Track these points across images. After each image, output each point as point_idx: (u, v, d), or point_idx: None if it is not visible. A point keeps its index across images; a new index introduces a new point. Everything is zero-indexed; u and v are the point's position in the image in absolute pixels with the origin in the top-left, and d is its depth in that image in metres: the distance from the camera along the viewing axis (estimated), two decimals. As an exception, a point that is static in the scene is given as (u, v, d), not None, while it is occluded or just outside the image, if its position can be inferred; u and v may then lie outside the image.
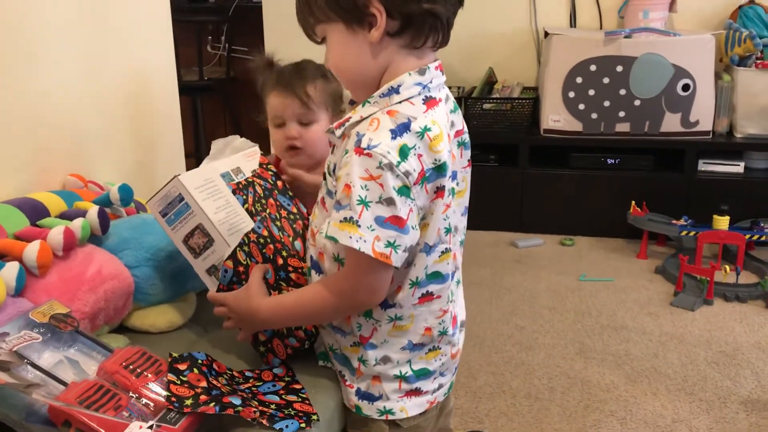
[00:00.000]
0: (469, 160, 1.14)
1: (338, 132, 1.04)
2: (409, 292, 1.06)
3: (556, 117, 3.16)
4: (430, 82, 1.02)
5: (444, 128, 1.01)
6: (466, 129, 1.13)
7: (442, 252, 1.07)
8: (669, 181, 3.10)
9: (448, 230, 1.07)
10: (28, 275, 1.13)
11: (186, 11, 3.76)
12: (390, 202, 0.95)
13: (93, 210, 1.27)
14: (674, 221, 2.89)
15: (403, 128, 0.96)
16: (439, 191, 1.01)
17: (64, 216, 1.29)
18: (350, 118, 1.03)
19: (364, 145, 0.95)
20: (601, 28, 3.43)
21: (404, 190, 0.95)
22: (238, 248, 1.13)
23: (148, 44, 1.88)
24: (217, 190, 1.18)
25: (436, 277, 1.08)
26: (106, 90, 1.69)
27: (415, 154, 0.96)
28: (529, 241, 3.14)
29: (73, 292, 1.15)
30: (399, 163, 0.94)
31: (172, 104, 2.00)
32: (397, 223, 0.96)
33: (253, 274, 1.12)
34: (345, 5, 0.98)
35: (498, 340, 2.30)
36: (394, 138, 0.95)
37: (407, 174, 0.95)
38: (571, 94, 3.11)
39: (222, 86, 3.77)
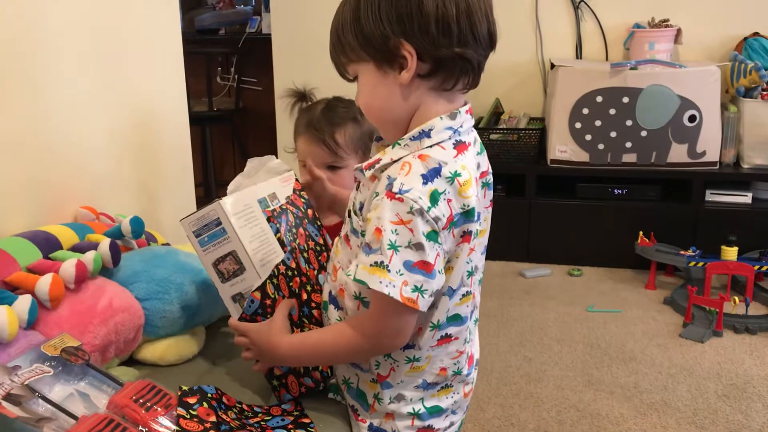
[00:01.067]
0: (491, 201, 1.14)
1: (367, 173, 1.03)
2: (429, 334, 1.06)
3: (562, 147, 3.18)
4: (461, 126, 1.02)
5: (472, 173, 1.01)
6: (490, 170, 1.12)
7: (464, 295, 1.07)
8: (676, 211, 3.10)
9: (470, 273, 1.07)
10: (39, 308, 1.13)
11: (196, 43, 3.82)
12: (419, 247, 0.95)
13: (105, 243, 1.28)
14: (682, 252, 2.89)
15: (434, 173, 0.96)
16: (466, 236, 1.01)
17: (76, 249, 1.30)
18: (380, 159, 1.02)
19: (396, 189, 0.95)
20: (607, 60, 3.46)
21: (433, 235, 0.96)
22: (267, 281, 1.13)
23: (160, 77, 1.90)
24: (254, 217, 1.17)
25: (456, 319, 1.08)
26: (117, 122, 1.71)
27: (445, 199, 0.96)
28: (536, 271, 3.13)
29: (84, 324, 1.16)
30: (429, 208, 0.94)
31: (182, 136, 2.02)
32: (425, 268, 0.96)
33: (279, 309, 1.12)
34: (377, 46, 0.99)
35: (506, 372, 2.29)
36: (425, 183, 0.95)
37: (437, 219, 0.95)
38: (578, 125, 3.13)
39: (231, 117, 3.81)
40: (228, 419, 1.05)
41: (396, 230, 0.95)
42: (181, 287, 1.31)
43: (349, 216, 1.10)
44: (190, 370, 1.29)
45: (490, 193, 1.13)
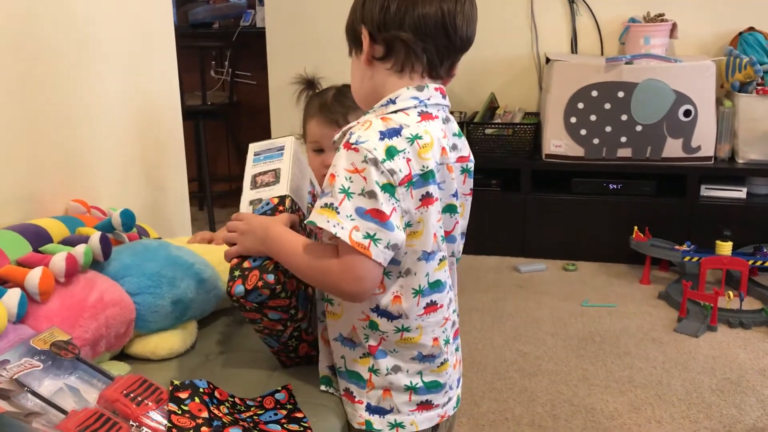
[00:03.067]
0: (471, 189, 1.17)
1: (337, 137, 1.09)
2: (413, 301, 1.08)
3: (557, 142, 3.17)
4: (428, 99, 1.08)
5: (436, 140, 1.06)
6: (472, 158, 1.17)
7: (441, 260, 1.10)
8: (671, 206, 3.10)
9: (443, 239, 1.11)
10: (29, 302, 1.12)
11: (189, 37, 3.79)
12: (372, 195, 0.98)
13: (95, 236, 1.26)
14: (677, 247, 2.88)
15: (393, 132, 1.02)
16: (426, 198, 1.04)
17: (66, 242, 1.29)
18: (350, 124, 1.09)
19: (352, 140, 1.00)
20: (602, 54, 3.45)
21: (388, 188, 0.99)
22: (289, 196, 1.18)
23: (153, 70, 1.89)
24: (304, 169, 1.33)
25: (438, 285, 1.10)
26: (109, 115, 1.70)
27: (403, 158, 1.01)
28: (531, 266, 3.13)
29: (74, 318, 1.15)
30: (384, 160, 0.99)
31: (175, 130, 2.01)
32: (378, 216, 0.99)
33: (286, 215, 1.16)
34: (350, 34, 1.13)
35: (501, 366, 2.28)
36: (381, 139, 1.01)
37: (392, 172, 0.99)
38: (573, 120, 3.13)
39: (225, 111, 3.79)
40: (220, 414, 1.04)
41: (350, 177, 0.99)
42: (173, 281, 1.30)
43: None
44: (182, 364, 1.28)
45: (470, 181, 1.17)
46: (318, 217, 1.00)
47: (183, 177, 2.06)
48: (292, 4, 3.27)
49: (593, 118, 3.10)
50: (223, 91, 3.95)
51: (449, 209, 1.12)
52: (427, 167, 1.03)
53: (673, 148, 3.07)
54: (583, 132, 3.13)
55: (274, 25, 3.32)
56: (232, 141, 3.94)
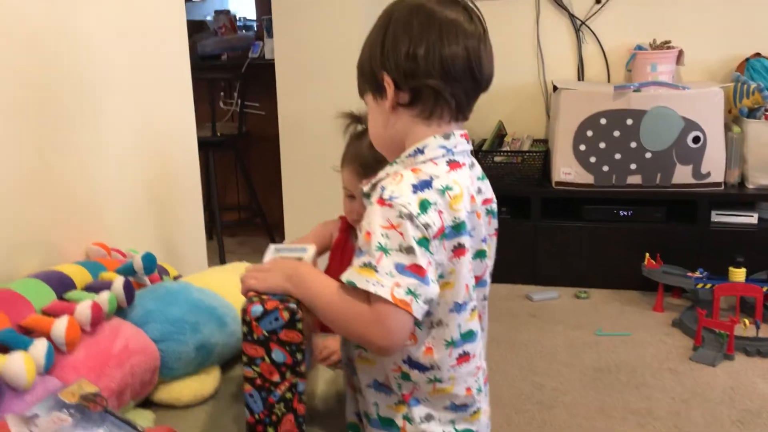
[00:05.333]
0: (496, 229, 1.17)
1: (366, 189, 1.08)
2: (445, 353, 1.07)
3: (567, 170, 3.17)
4: (455, 147, 1.07)
5: (465, 189, 1.05)
6: (494, 199, 1.16)
7: (472, 309, 1.09)
8: (682, 232, 3.10)
9: (474, 287, 1.09)
10: (55, 352, 1.12)
11: (199, 68, 3.81)
12: (410, 251, 0.97)
13: (118, 281, 1.26)
14: (690, 273, 2.88)
15: (424, 185, 1.01)
16: (458, 249, 1.03)
17: (89, 288, 1.29)
18: (379, 177, 1.08)
19: (386, 196, 0.99)
20: (608, 81, 3.47)
21: (423, 242, 0.98)
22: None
23: (167, 108, 1.90)
24: None
25: (470, 336, 1.09)
26: (123, 155, 1.70)
27: (435, 210, 1.00)
28: (543, 294, 3.12)
29: (100, 368, 1.14)
30: (419, 214, 0.97)
31: (191, 167, 2.01)
32: (417, 272, 0.97)
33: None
34: (368, 77, 1.11)
35: (518, 399, 2.27)
36: (414, 192, 0.99)
37: (426, 226, 0.98)
38: (582, 147, 3.13)
39: (234, 141, 3.81)
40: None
41: (386, 234, 0.97)
42: (196, 327, 1.30)
43: (357, 238, 1.10)
44: (207, 410, 1.27)
45: (495, 222, 1.16)
46: (357, 277, 0.98)
47: (199, 213, 2.07)
48: (301, 36, 3.29)
49: (602, 145, 3.11)
50: (232, 122, 3.97)
51: (479, 255, 1.11)
52: (459, 219, 1.02)
53: (682, 175, 3.07)
54: (592, 159, 3.13)
55: (283, 57, 3.34)
56: (241, 171, 3.95)
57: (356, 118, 1.51)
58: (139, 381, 1.21)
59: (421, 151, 1.06)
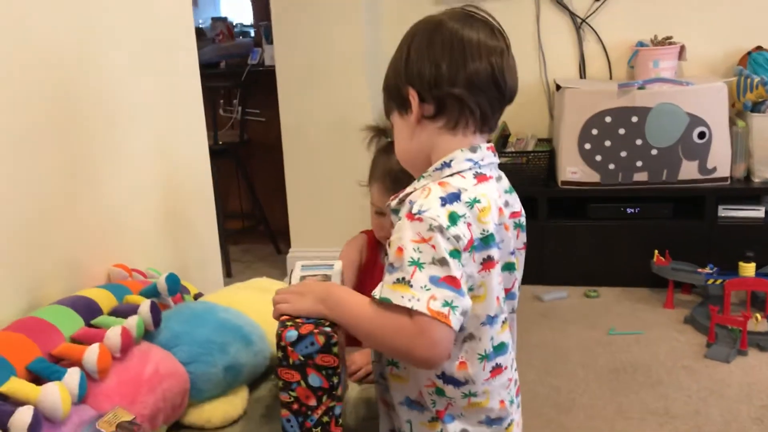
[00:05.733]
0: (524, 243, 1.16)
1: (393, 204, 1.09)
2: (479, 366, 1.07)
3: (573, 169, 3.17)
4: (482, 159, 1.07)
5: (493, 202, 1.04)
6: (523, 212, 1.16)
7: (503, 322, 1.09)
8: (690, 228, 3.10)
9: (504, 298, 1.10)
10: (87, 380, 1.11)
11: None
12: (443, 262, 0.97)
13: (145, 305, 1.26)
14: (700, 269, 2.88)
15: (453, 197, 1.01)
16: (487, 262, 1.03)
17: (116, 312, 1.28)
18: (407, 192, 1.08)
19: (415, 210, 0.99)
20: (611, 78, 3.47)
21: (455, 254, 0.98)
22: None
23: (179, 124, 1.89)
24: None
25: (502, 348, 1.09)
26: (138, 174, 1.69)
27: (464, 222, 1.00)
28: (553, 294, 3.12)
29: (132, 395, 1.14)
30: (449, 227, 0.97)
31: (205, 182, 2.01)
32: (452, 283, 0.97)
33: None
34: (394, 94, 1.12)
35: (535, 403, 2.27)
36: (443, 205, 0.99)
37: (457, 238, 0.98)
38: (588, 146, 3.13)
39: (236, 149, 3.80)
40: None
41: (418, 248, 0.97)
42: (224, 347, 1.29)
43: (386, 254, 1.09)
44: (238, 431, 1.27)
45: (523, 235, 1.17)
46: (391, 294, 0.97)
47: (213, 227, 2.06)
48: (302, 42, 3.28)
49: (608, 143, 3.11)
50: (233, 130, 3.95)
51: (508, 267, 1.11)
52: (488, 231, 1.03)
53: (689, 171, 3.08)
54: (598, 158, 3.13)
55: (284, 63, 3.33)
56: (243, 178, 3.94)
57: (381, 131, 1.50)
58: (170, 405, 1.20)
59: (448, 165, 1.06)
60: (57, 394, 1.02)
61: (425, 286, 0.96)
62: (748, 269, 2.75)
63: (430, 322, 0.95)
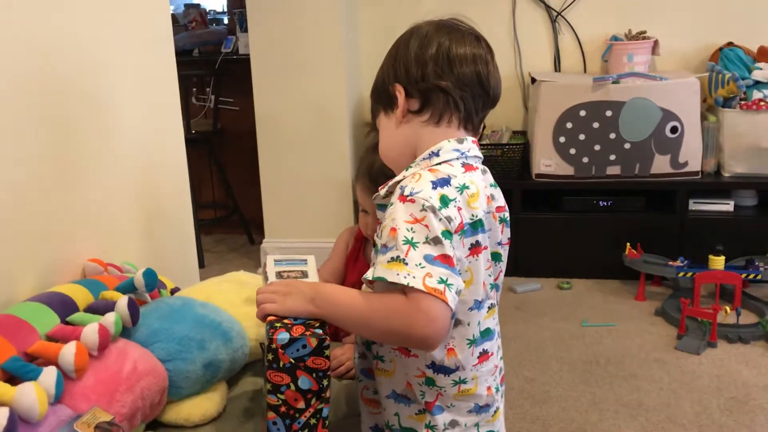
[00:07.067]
0: (509, 239, 1.17)
1: (383, 192, 1.10)
2: (468, 352, 1.08)
3: (547, 162, 3.19)
4: (468, 151, 1.10)
5: (481, 189, 1.07)
6: (507, 208, 1.17)
7: (489, 307, 1.11)
8: (661, 221, 3.14)
9: (492, 286, 1.12)
10: (64, 379, 1.09)
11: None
12: (437, 241, 0.98)
13: (122, 302, 1.23)
14: (671, 262, 2.92)
15: (443, 182, 1.03)
16: (475, 247, 1.05)
17: (92, 308, 1.25)
18: (396, 179, 1.10)
19: (407, 192, 1.01)
20: (585, 72, 3.49)
21: (447, 234, 1.00)
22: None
23: (157, 117, 1.85)
24: None
25: (488, 333, 1.11)
26: (114, 167, 1.65)
27: (455, 206, 1.02)
28: (526, 286, 3.14)
29: (111, 393, 1.12)
30: (441, 208, 0.99)
31: (180, 178, 1.98)
32: (447, 261, 0.98)
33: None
34: (381, 95, 1.15)
35: (509, 394, 2.28)
36: (434, 188, 1.02)
37: (449, 219, 1.00)
38: (562, 139, 3.15)
39: (209, 138, 3.75)
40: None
41: (411, 228, 0.98)
42: (202, 344, 1.28)
43: (375, 244, 1.10)
44: (217, 429, 1.25)
45: (507, 231, 1.18)
46: (386, 272, 0.97)
47: (189, 218, 2.03)
48: (277, 30, 3.24)
49: (582, 137, 3.13)
50: (206, 119, 3.90)
51: (495, 257, 1.13)
52: (477, 216, 1.05)
53: (661, 165, 3.11)
54: (572, 151, 3.15)
55: (259, 52, 3.29)
56: (216, 168, 3.89)
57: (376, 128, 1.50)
58: (149, 403, 1.18)
59: (436, 154, 1.08)
60: (33, 394, 1.00)
61: (420, 264, 0.96)
62: (718, 262, 2.80)
63: (426, 297, 0.96)
